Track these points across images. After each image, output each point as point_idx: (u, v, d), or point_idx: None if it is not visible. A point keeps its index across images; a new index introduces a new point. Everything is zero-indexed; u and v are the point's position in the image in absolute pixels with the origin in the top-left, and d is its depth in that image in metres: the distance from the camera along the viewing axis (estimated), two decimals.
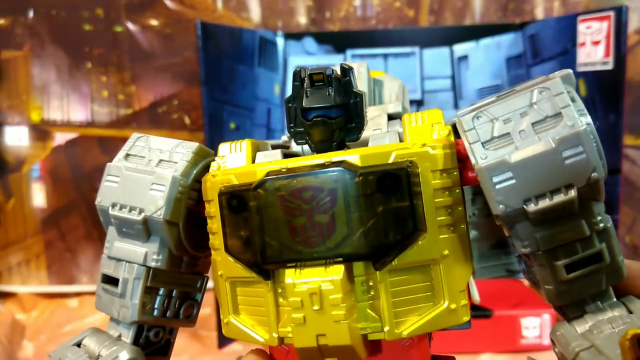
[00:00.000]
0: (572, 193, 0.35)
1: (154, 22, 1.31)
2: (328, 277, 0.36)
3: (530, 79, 0.41)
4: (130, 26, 1.31)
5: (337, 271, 0.36)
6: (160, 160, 0.45)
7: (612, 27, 1.06)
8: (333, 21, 1.31)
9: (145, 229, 0.44)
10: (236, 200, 0.39)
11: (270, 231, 0.38)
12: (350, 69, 0.40)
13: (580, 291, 0.38)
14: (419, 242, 0.37)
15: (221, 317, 0.43)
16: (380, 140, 0.41)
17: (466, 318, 0.38)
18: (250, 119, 1.19)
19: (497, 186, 0.36)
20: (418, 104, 1.24)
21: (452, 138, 0.39)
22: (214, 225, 0.41)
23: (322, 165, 0.38)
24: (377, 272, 0.37)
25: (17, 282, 1.33)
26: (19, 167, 1.33)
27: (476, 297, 0.53)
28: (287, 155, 0.43)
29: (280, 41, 1.23)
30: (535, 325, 1.03)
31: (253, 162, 0.43)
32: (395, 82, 0.49)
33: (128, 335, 0.46)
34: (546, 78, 0.38)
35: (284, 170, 0.38)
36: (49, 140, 1.33)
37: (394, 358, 0.40)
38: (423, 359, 0.42)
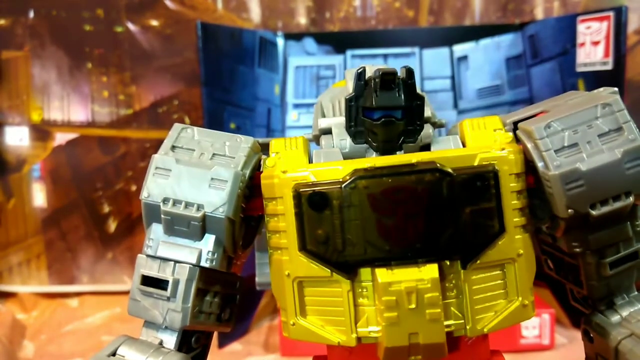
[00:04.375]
0: (631, 199, 0.41)
1: (154, 23, 1.31)
2: (424, 276, 0.37)
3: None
4: (131, 26, 1.31)
5: (433, 270, 0.37)
6: (214, 154, 0.43)
7: (611, 27, 1.06)
8: (333, 21, 1.31)
9: (201, 227, 0.42)
10: (319, 197, 0.39)
11: (355, 230, 0.38)
12: (412, 71, 0.41)
13: (616, 285, 0.44)
14: (499, 242, 0.39)
15: (283, 318, 0.42)
16: (444, 144, 0.43)
17: (533, 313, 0.41)
18: (250, 119, 1.20)
19: (569, 192, 0.40)
20: None
21: (516, 144, 0.41)
22: (281, 223, 0.41)
23: (413, 166, 0.38)
24: (462, 270, 0.39)
25: (18, 282, 1.33)
26: (20, 167, 1.34)
27: None
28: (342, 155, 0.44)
29: (280, 42, 1.24)
30: (535, 325, 1.03)
31: (310, 160, 0.43)
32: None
33: (172, 342, 0.43)
34: (601, 94, 0.43)
35: (372, 168, 0.39)
36: (49, 141, 1.33)
37: (465, 354, 0.43)
38: (486, 353, 0.46)
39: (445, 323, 0.38)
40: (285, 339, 1.04)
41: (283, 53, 1.24)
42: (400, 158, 0.40)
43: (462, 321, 0.39)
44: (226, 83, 1.15)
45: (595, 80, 1.08)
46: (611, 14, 1.06)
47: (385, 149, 0.42)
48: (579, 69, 1.10)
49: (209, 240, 0.42)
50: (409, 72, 0.41)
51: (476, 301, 0.39)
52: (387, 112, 0.40)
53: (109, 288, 1.32)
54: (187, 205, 0.42)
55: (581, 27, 1.10)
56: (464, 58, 1.23)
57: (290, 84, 1.24)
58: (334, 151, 0.44)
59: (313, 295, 0.41)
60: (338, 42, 1.23)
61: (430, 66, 1.22)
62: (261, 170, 0.44)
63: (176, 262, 0.42)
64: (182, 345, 0.44)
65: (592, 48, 1.09)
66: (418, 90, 0.42)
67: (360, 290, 0.39)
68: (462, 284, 0.39)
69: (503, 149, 0.40)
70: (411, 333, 0.38)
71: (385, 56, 1.22)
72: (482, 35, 1.22)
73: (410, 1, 1.30)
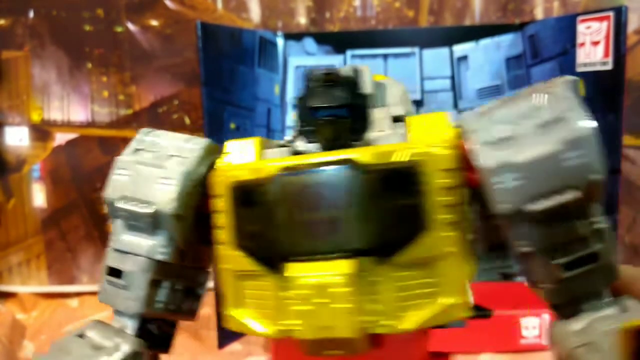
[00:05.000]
0: (573, 194, 0.36)
1: (154, 23, 1.31)
2: (336, 271, 0.37)
3: (533, 82, 0.42)
4: (131, 26, 1.31)
5: (345, 265, 0.37)
6: (170, 155, 0.46)
7: (611, 27, 1.06)
8: (333, 21, 1.31)
9: (153, 223, 0.44)
10: (247, 194, 0.40)
11: (280, 226, 0.39)
12: (359, 70, 0.42)
13: (576, 290, 0.40)
14: (423, 239, 0.38)
15: (222, 310, 0.44)
16: (385, 141, 0.43)
17: (465, 314, 0.39)
18: (250, 119, 1.20)
19: (500, 186, 0.37)
20: (418, 104, 1.24)
21: (457, 139, 0.40)
22: (221, 219, 0.42)
23: (331, 163, 0.39)
24: (382, 267, 0.38)
25: (18, 282, 1.34)
26: (20, 167, 1.34)
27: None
28: (295, 153, 0.44)
29: (280, 41, 1.24)
30: (535, 325, 1.03)
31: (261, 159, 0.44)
32: (398, 86, 0.50)
33: (131, 328, 0.46)
34: (551, 83, 0.40)
35: (295, 166, 0.39)
36: (49, 141, 1.33)
37: (393, 353, 0.42)
38: (421, 354, 0.44)
39: (364, 319, 0.38)
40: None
41: (283, 53, 1.24)
42: (324, 155, 0.40)
43: (382, 318, 0.39)
44: (226, 83, 1.15)
45: (595, 80, 1.08)
46: (611, 14, 1.06)
47: (329, 148, 0.42)
48: (579, 69, 1.10)
49: (162, 235, 0.45)
50: (355, 71, 0.41)
51: (399, 299, 0.39)
52: (329, 111, 0.41)
53: None
54: (141, 202, 0.44)
55: (581, 27, 1.10)
56: (464, 58, 1.23)
57: (290, 84, 1.24)
58: (282, 150, 0.45)
59: (248, 289, 0.42)
60: (338, 42, 1.23)
61: (430, 66, 1.22)
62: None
63: (133, 254, 0.45)
64: (143, 330, 0.47)
65: (592, 48, 1.09)
66: (368, 89, 0.42)
67: (284, 284, 0.40)
68: (383, 281, 0.38)
69: (433, 145, 0.39)
70: (325, 327, 0.38)
71: (385, 56, 1.22)
72: (482, 35, 1.22)
73: (410, 1, 1.30)
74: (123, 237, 0.46)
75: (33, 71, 1.32)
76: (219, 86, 1.13)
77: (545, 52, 1.16)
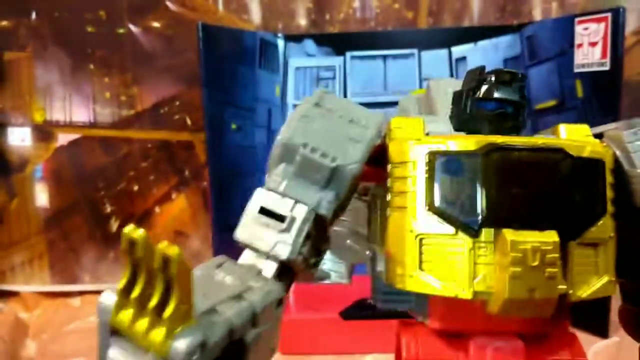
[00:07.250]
0: None
1: (155, 24, 1.32)
2: (548, 239, 0.42)
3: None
4: (133, 28, 1.32)
5: (554, 235, 0.42)
6: (350, 120, 0.48)
7: (609, 28, 1.06)
8: (333, 23, 1.32)
9: (329, 177, 0.46)
10: (454, 163, 0.44)
11: (484, 195, 0.44)
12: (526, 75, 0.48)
13: None
14: (600, 223, 0.45)
15: (399, 271, 0.46)
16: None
17: (616, 291, 0.47)
18: (251, 119, 1.20)
19: None
20: None
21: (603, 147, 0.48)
22: (406, 186, 0.46)
23: (541, 146, 0.44)
24: (571, 242, 0.44)
25: (20, 282, 1.35)
26: (22, 167, 1.34)
27: None
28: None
29: (280, 43, 1.24)
30: None
31: (427, 135, 0.49)
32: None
33: (271, 271, 0.45)
34: None
35: (505, 144, 0.44)
36: (51, 141, 1.34)
37: (551, 324, 0.48)
38: (566, 329, 0.51)
39: (560, 285, 0.43)
40: (285, 337, 1.04)
41: (283, 54, 1.24)
42: (526, 139, 0.45)
43: (566, 286, 0.44)
44: (227, 84, 1.16)
45: (592, 80, 1.09)
46: (609, 15, 1.06)
47: None
48: (577, 70, 1.11)
49: (330, 191, 0.46)
50: (523, 75, 0.47)
51: (576, 272, 0.44)
52: (502, 104, 0.47)
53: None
54: (324, 154, 0.46)
55: (579, 28, 1.10)
56: (462, 59, 1.23)
57: (291, 85, 1.25)
58: (446, 130, 0.49)
59: (431, 252, 0.45)
60: (338, 43, 1.24)
61: (429, 67, 1.23)
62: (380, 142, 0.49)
63: (297, 201, 0.45)
64: (279, 277, 0.46)
65: (590, 49, 1.09)
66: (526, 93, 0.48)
67: (479, 249, 0.43)
68: (568, 255, 0.44)
69: (604, 145, 0.47)
70: (531, 288, 0.42)
71: (384, 57, 1.23)
72: (481, 37, 1.22)
73: (409, 3, 1.31)
74: (289, 182, 0.46)
75: (35, 72, 1.33)
76: (220, 87, 1.14)
77: (543, 53, 1.17)
